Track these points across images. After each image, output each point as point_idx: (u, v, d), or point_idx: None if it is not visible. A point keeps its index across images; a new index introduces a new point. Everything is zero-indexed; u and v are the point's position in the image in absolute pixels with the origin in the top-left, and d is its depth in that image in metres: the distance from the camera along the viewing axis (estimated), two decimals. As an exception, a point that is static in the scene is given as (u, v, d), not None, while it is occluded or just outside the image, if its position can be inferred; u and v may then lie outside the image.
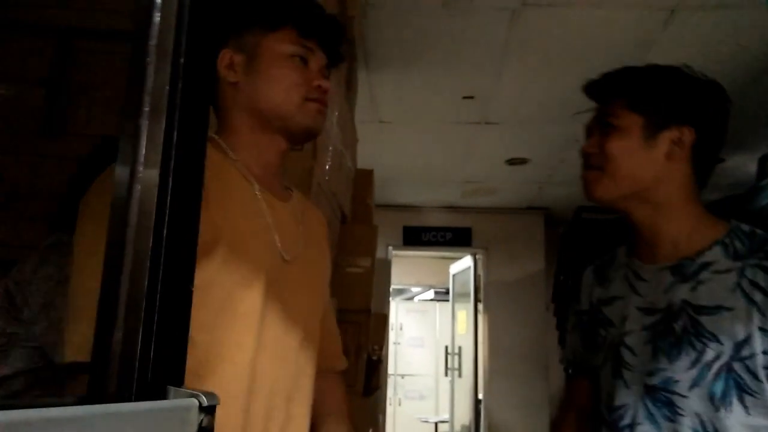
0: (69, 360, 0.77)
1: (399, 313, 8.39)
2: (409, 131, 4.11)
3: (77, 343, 0.77)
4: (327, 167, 1.61)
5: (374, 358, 2.15)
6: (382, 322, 2.46)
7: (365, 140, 3.98)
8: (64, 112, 1.51)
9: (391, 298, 7.73)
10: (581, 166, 1.13)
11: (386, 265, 5.85)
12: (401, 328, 8.32)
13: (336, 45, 1.06)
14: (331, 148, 1.64)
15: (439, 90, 3.41)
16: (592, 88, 1.14)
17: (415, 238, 6.04)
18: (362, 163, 2.61)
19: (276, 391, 0.93)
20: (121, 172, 0.43)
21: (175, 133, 0.44)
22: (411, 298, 9.27)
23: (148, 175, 0.43)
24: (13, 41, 1.52)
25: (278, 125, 0.99)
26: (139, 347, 0.42)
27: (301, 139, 1.06)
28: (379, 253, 5.77)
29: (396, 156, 4.62)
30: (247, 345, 0.89)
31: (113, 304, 0.43)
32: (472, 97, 3.48)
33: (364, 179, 2.48)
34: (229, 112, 1.00)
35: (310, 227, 1.09)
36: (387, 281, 5.64)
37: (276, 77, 0.98)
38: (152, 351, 0.42)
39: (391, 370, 7.68)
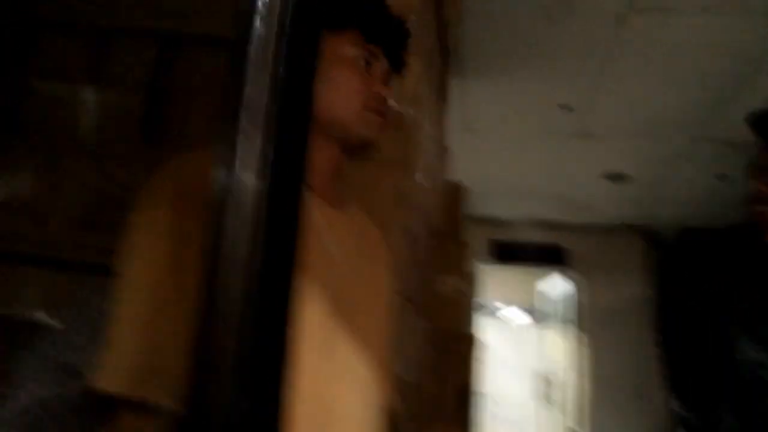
0: (98, 385, 0.74)
1: (484, 330, 8.17)
2: (499, 141, 3.98)
3: (111, 370, 0.75)
4: (418, 181, 1.53)
5: (466, 383, 2.04)
6: (472, 344, 2.35)
7: (454, 147, 3.90)
8: (162, 119, 1.51)
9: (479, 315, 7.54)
10: (751, 202, 0.98)
11: (474, 275, 5.69)
12: (486, 347, 8.11)
13: (401, 51, 0.99)
14: (422, 160, 1.56)
15: (535, 99, 3.27)
16: (763, 123, 0.98)
17: (503, 253, 5.86)
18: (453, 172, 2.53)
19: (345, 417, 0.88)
20: (218, 182, 0.41)
21: (273, 145, 0.42)
22: (495, 315, 9.01)
23: (245, 185, 0.41)
24: (114, 47, 1.53)
25: (334, 133, 0.92)
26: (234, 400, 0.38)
27: (357, 149, 0.98)
28: (465, 268, 5.64)
29: (484, 166, 4.48)
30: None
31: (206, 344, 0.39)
32: (569, 108, 3.31)
33: (454, 192, 2.39)
34: None
35: (367, 247, 1.02)
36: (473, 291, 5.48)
37: (337, 81, 0.91)
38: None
39: (477, 390, 7.45)
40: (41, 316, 1.52)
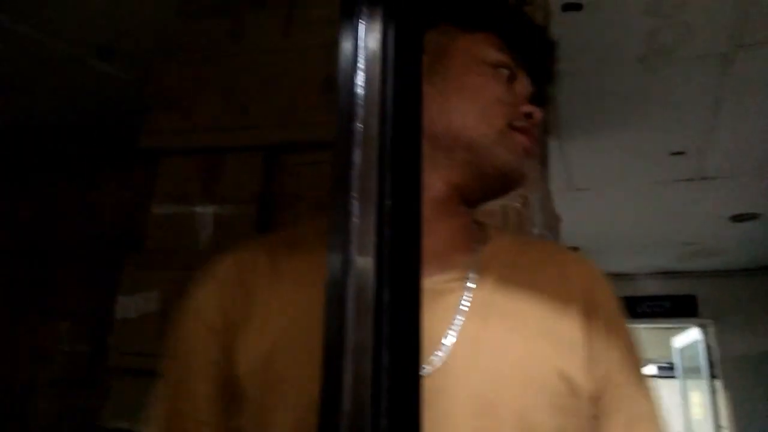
0: None
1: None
2: (610, 196, 3.82)
3: None
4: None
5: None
6: None
7: (561, 210, 3.77)
8: (274, 224, 1.56)
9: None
10: None
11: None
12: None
13: (546, 67, 0.77)
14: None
15: (642, 149, 3.13)
16: None
17: (629, 309, 5.50)
18: (562, 235, 2.40)
19: None
20: (331, 274, 0.40)
21: (385, 228, 0.41)
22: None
23: (362, 268, 0.39)
24: (226, 162, 1.61)
25: (463, 156, 0.69)
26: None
27: (495, 184, 0.71)
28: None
29: (597, 223, 4.30)
30: None
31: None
32: (682, 153, 3.13)
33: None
34: None
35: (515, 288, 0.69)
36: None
37: (473, 87, 0.70)
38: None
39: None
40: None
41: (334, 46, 0.45)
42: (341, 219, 0.41)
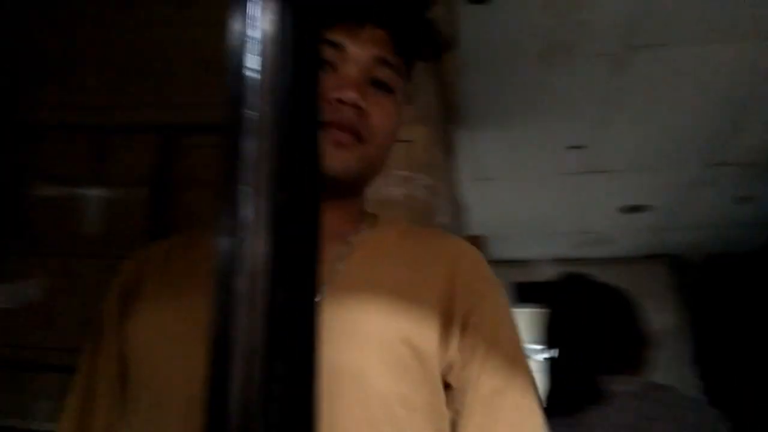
0: None
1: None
2: (514, 186, 3.94)
3: None
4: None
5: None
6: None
7: (470, 199, 3.87)
8: (168, 211, 1.48)
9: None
10: None
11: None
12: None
13: (403, 14, 0.71)
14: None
15: (543, 142, 3.24)
16: None
17: (527, 294, 5.74)
18: (469, 223, 2.47)
19: None
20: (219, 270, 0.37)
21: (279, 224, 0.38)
22: (532, 358, 8.79)
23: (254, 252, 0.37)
24: (117, 143, 1.52)
25: None
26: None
27: (330, 185, 0.69)
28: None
29: (502, 211, 4.44)
30: None
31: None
32: (579, 147, 3.27)
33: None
34: None
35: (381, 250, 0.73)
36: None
37: None
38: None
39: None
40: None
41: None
42: (229, 211, 0.38)
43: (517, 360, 0.70)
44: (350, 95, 0.66)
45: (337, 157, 0.67)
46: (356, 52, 0.69)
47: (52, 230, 1.48)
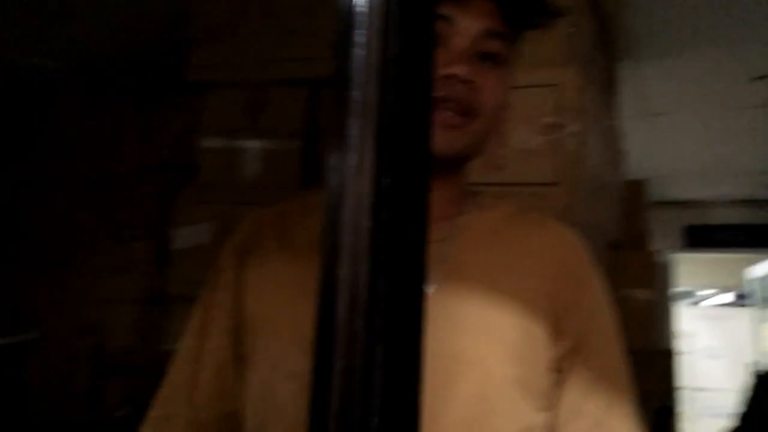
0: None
1: (687, 319, 7.47)
2: (685, 122, 3.60)
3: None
4: (585, 197, 1.40)
5: (663, 405, 1.85)
6: (667, 360, 2.12)
7: (634, 137, 3.61)
8: (319, 163, 1.54)
9: (677, 304, 6.94)
10: None
11: (665, 272, 5.24)
12: (692, 337, 7.39)
13: None
14: (590, 173, 1.43)
15: (721, 72, 2.90)
16: None
17: (701, 238, 5.30)
18: (632, 161, 2.29)
19: None
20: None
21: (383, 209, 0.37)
22: (697, 303, 8.21)
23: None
24: (269, 96, 1.59)
25: None
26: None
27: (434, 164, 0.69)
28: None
29: (672, 149, 4.09)
30: None
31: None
32: (764, 77, 2.89)
33: (636, 192, 2.18)
34: None
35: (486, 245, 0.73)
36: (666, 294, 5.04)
37: None
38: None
39: (683, 383, 6.84)
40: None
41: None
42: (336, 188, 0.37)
43: (616, 354, 0.72)
44: (461, 70, 0.64)
45: (444, 138, 0.65)
46: (465, 25, 0.66)
47: (218, 180, 1.60)
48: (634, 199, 2.13)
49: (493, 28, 0.67)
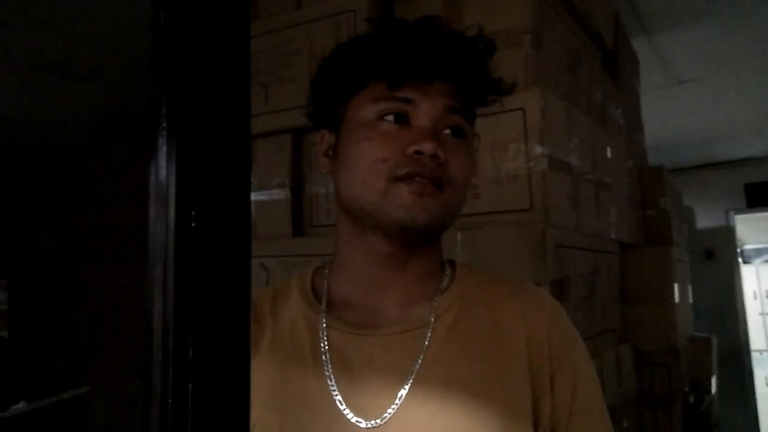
0: None
1: (762, 277, 7.10)
2: (719, 85, 3.45)
3: None
4: (567, 214, 1.37)
5: (692, 401, 1.79)
6: (704, 349, 2.04)
7: (664, 106, 3.48)
8: (303, 208, 1.56)
9: (749, 262, 6.61)
10: None
11: (728, 233, 5.02)
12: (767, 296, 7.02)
13: (468, 67, 0.72)
14: (569, 189, 1.39)
15: (752, 35, 2.76)
16: None
17: (763, 196, 5.03)
18: (668, 127, 2.15)
19: None
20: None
21: None
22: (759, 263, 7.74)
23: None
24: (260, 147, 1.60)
25: (368, 223, 0.71)
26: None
27: (406, 236, 0.71)
28: (717, 221, 4.98)
29: (707, 114, 3.93)
30: None
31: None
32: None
33: (653, 179, 2.10)
34: (336, 219, 0.77)
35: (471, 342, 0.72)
36: (730, 260, 4.83)
37: (354, 155, 0.70)
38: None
39: (759, 345, 6.52)
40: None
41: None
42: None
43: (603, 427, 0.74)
44: (428, 146, 0.67)
45: (421, 207, 0.68)
46: (427, 106, 0.70)
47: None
48: (652, 187, 2.06)
49: (453, 104, 0.71)
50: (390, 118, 0.70)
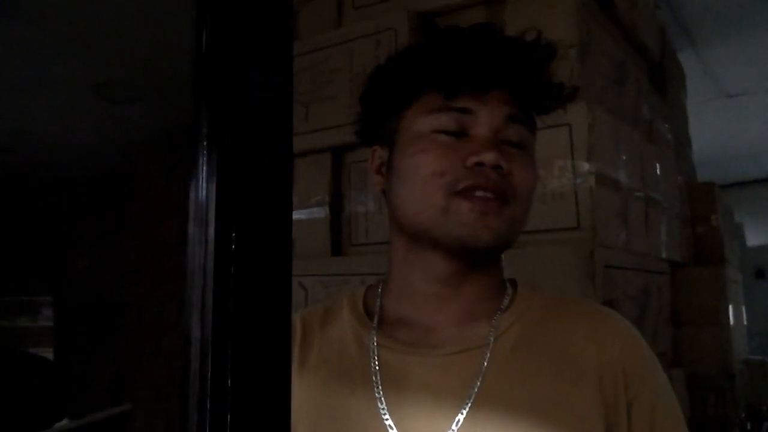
0: None
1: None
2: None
3: None
4: (623, 239, 1.32)
5: (749, 428, 1.70)
6: (760, 372, 1.95)
7: (711, 120, 3.39)
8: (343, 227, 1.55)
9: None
10: None
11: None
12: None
13: (527, 74, 0.68)
14: (618, 206, 1.34)
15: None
16: None
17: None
18: (717, 142, 2.12)
19: None
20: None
21: None
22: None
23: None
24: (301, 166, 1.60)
25: (426, 241, 0.67)
26: None
27: (468, 255, 0.67)
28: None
29: (758, 128, 3.82)
30: None
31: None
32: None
33: (704, 196, 2.02)
34: (390, 236, 0.73)
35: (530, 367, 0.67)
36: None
37: (409, 169, 0.66)
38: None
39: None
40: None
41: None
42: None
43: None
44: (490, 157, 0.64)
45: (485, 225, 0.64)
46: (487, 115, 0.67)
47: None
48: (703, 205, 1.98)
49: (513, 113, 0.68)
50: (450, 131, 0.67)
